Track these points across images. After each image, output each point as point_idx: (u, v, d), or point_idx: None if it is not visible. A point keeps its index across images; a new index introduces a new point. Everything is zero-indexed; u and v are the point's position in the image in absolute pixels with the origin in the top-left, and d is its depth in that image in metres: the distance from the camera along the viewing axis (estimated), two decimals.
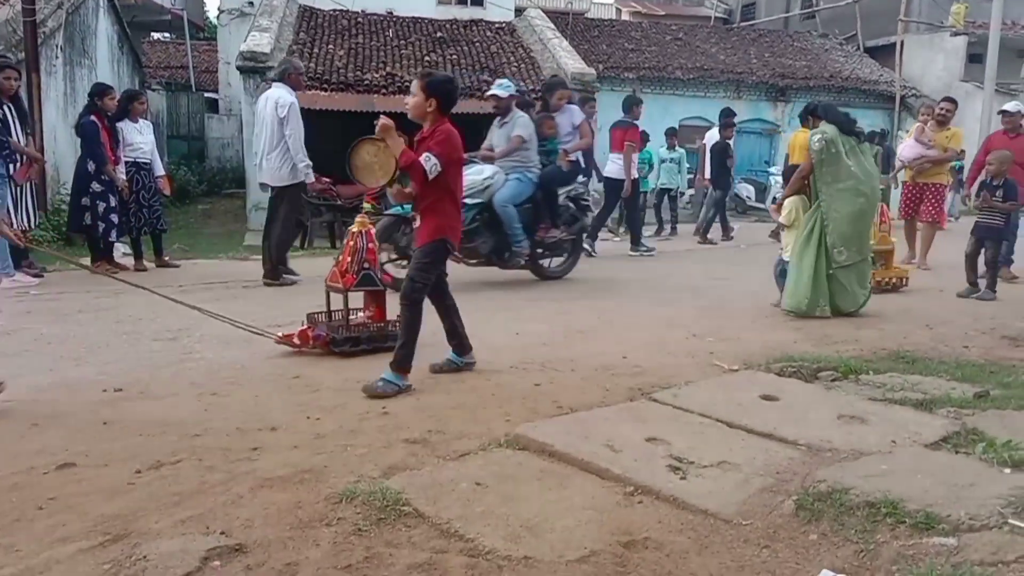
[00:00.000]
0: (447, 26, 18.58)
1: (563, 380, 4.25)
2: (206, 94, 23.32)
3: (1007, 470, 2.92)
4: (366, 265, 4.85)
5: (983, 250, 7.06)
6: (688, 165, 13.82)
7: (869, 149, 6.25)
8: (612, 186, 9.96)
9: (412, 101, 4.07)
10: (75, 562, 2.32)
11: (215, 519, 2.58)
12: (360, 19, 18.40)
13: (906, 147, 9.09)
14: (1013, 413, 3.63)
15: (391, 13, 19.59)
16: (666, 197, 13.20)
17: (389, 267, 6.60)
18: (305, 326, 4.89)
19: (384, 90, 14.52)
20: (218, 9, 22.05)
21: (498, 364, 4.56)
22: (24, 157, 7.38)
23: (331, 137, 15.62)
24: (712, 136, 12.35)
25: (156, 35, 28.18)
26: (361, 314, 5.02)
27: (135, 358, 4.67)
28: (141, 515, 2.61)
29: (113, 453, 3.16)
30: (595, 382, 4.21)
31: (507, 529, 2.52)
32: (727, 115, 12.00)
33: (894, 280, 7.32)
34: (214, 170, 20.67)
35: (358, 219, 4.97)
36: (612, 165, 9.92)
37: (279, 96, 7.26)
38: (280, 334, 4.83)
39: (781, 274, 6.24)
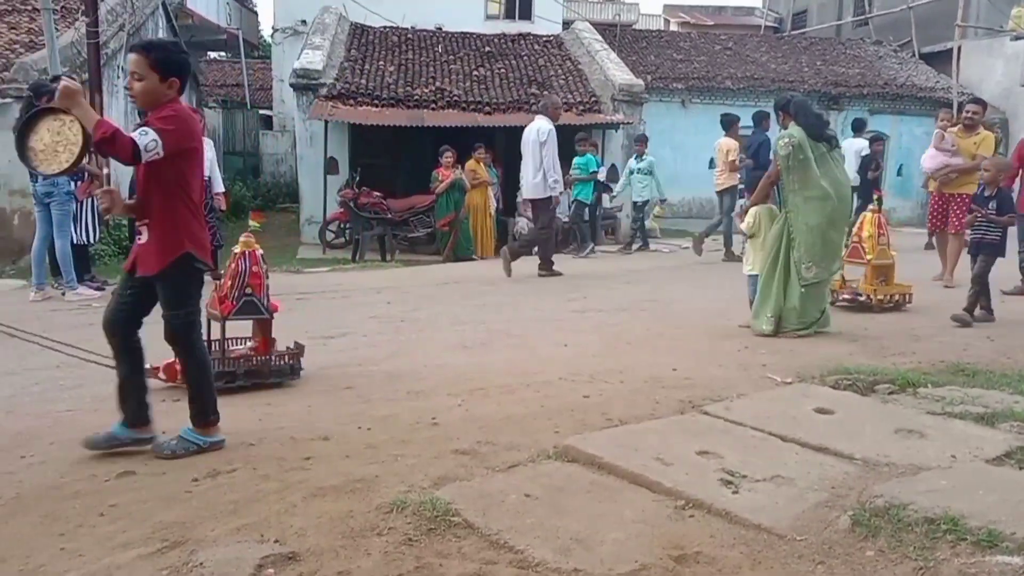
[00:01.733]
0: (495, 40, 18.72)
1: (612, 392, 4.24)
2: (260, 111, 23.87)
3: None
4: (248, 291, 4.34)
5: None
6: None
7: (840, 157, 5.81)
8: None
9: (140, 86, 3.11)
10: (134, 567, 2.38)
11: (269, 527, 2.62)
12: (410, 35, 18.65)
13: (927, 157, 8.48)
14: None
15: (440, 29, 19.82)
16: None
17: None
18: (173, 359, 3.89)
19: (434, 104, 14.68)
20: (272, 28, 22.59)
21: (547, 375, 4.57)
22: (86, 173, 7.63)
23: (382, 151, 15.77)
24: (729, 142, 11.88)
25: (213, 54, 28.96)
26: (246, 344, 4.54)
27: None
28: (198, 522, 2.67)
29: (171, 462, 3.24)
30: (644, 394, 4.18)
31: (557, 542, 2.51)
32: (761, 117, 11.43)
33: (896, 297, 6.84)
34: (268, 185, 21.14)
35: (242, 239, 4.40)
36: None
37: (540, 125, 9.02)
38: (149, 366, 3.58)
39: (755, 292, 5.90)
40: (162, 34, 16.00)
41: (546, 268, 9.12)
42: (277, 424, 3.73)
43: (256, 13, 28.82)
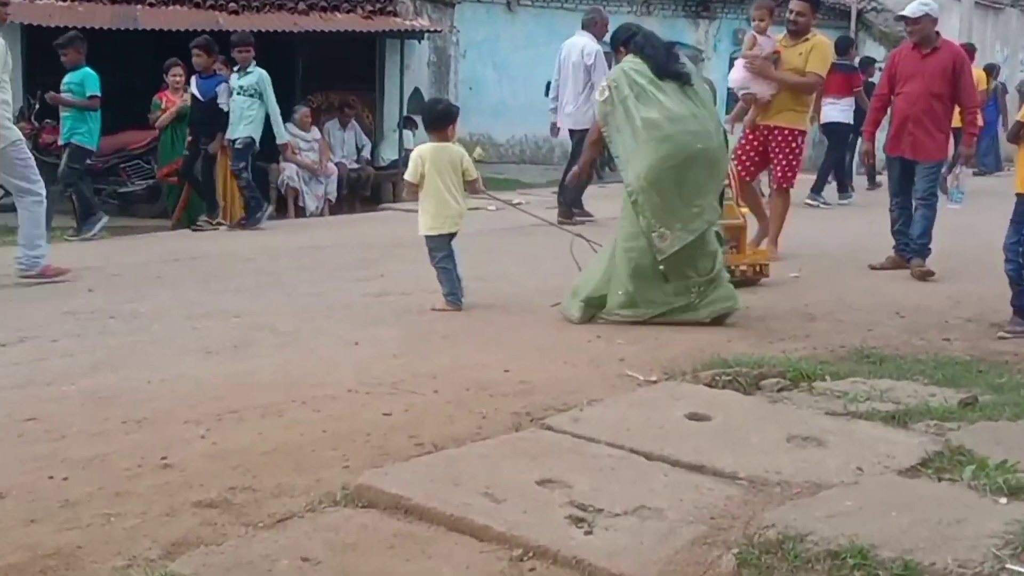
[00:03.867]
0: None
1: (423, 406, 4.24)
2: None
3: (1002, 500, 3.10)
4: None
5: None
6: None
7: (703, 92, 6.09)
8: (832, 130, 12.96)
9: None
10: None
11: None
12: None
13: (735, 69, 8.34)
14: (1008, 425, 3.87)
15: None
16: None
17: None
18: None
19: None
20: None
21: (331, 387, 4.51)
22: None
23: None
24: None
25: None
26: None
27: None
28: None
29: None
30: (467, 406, 4.21)
31: None
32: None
33: (747, 270, 7.06)
34: None
35: None
36: (831, 109, 12.73)
37: (584, 44, 10.31)
38: None
39: None
40: None
41: (567, 216, 9.92)
42: None
43: None
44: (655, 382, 4.57)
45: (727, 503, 3.15)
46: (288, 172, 12.90)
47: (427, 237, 6.33)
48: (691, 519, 3.03)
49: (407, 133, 14.67)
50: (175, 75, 11.79)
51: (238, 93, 10.66)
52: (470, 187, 6.54)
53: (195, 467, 3.54)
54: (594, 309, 5.86)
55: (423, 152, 6.33)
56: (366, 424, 4.00)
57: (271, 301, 6.65)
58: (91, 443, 3.81)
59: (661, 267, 5.71)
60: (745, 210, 7.31)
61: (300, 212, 13.01)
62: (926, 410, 4.04)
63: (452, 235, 6.34)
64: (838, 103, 12.71)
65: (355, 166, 14.27)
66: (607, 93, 5.91)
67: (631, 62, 5.96)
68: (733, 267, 6.79)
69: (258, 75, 10.63)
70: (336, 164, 13.61)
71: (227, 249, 9.32)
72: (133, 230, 11.32)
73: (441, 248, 6.29)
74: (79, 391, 4.54)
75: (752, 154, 8.18)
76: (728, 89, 10.27)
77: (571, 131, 10.68)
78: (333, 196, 13.38)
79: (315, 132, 13.47)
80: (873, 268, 7.84)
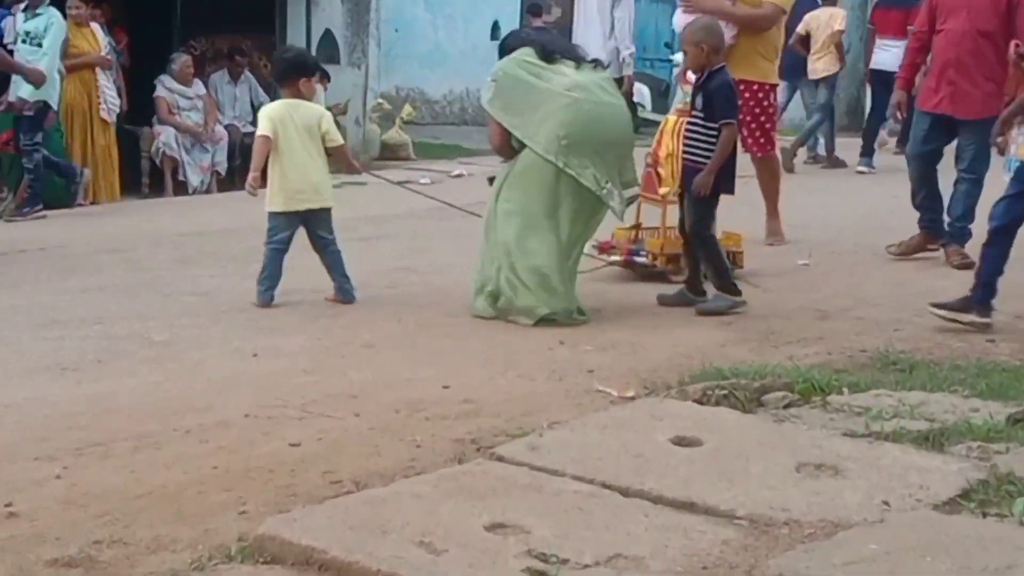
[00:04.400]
0: None
1: (341, 433, 4.25)
2: None
3: None
4: None
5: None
6: None
7: (606, 83, 6.65)
8: (884, 80, 12.74)
9: None
10: None
11: None
12: None
13: (680, 12, 8.32)
14: None
15: None
16: None
17: None
18: None
19: None
20: None
21: (223, 411, 4.51)
22: None
23: None
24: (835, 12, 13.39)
25: None
26: None
27: None
28: None
29: None
30: (396, 433, 4.22)
31: None
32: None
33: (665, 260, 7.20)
34: None
35: None
36: (885, 54, 13.07)
37: None
38: None
39: None
40: None
41: None
42: None
43: None
44: (632, 398, 4.60)
45: (723, 549, 3.16)
46: (164, 138, 12.57)
47: (270, 214, 6.47)
48: (679, 569, 3.03)
49: (317, 87, 14.57)
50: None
51: (23, 40, 10.28)
52: (338, 157, 6.62)
53: (49, 516, 3.49)
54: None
55: (270, 111, 6.52)
56: (268, 458, 3.98)
57: (144, 303, 6.59)
58: None
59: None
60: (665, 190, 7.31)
61: (181, 188, 12.69)
62: (967, 429, 4.09)
63: (302, 217, 6.44)
64: (893, 46, 12.76)
65: (250, 129, 14.08)
66: (493, 87, 6.49)
67: (520, 53, 6.53)
68: (653, 255, 7.14)
69: (48, 17, 10.24)
70: (226, 127, 13.42)
71: (87, 237, 9.21)
72: None
73: (280, 230, 6.42)
74: None
75: None
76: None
77: None
78: (223, 167, 13.11)
79: (198, 87, 13.14)
80: (891, 251, 7.88)
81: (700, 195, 6.39)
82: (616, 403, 4.57)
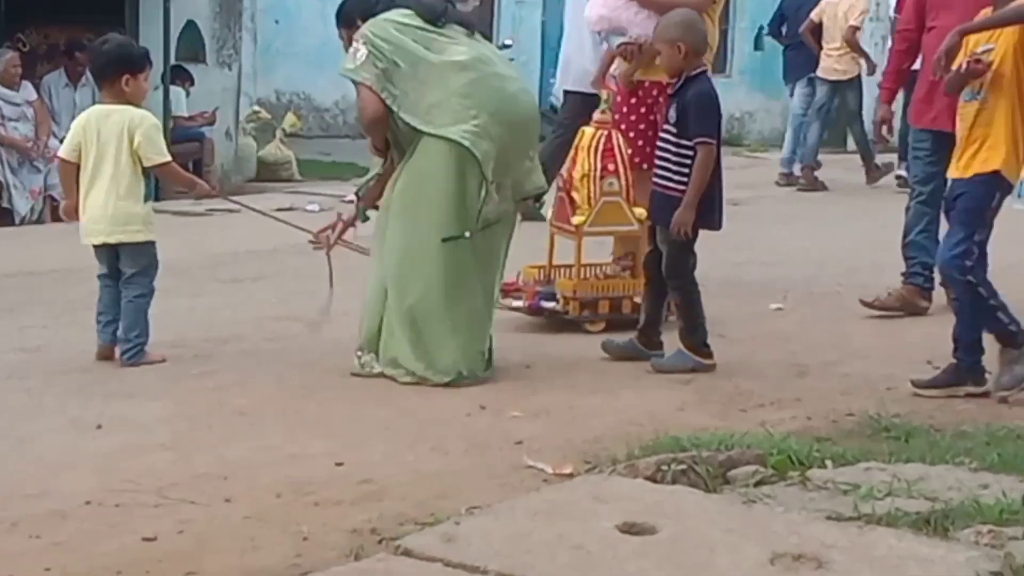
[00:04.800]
0: None
1: (208, 523, 4.20)
2: None
3: None
4: None
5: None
6: None
7: (494, 55, 6.78)
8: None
9: None
10: None
11: None
12: None
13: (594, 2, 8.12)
14: None
15: None
16: None
17: None
18: None
19: None
20: None
21: (59, 497, 4.43)
22: None
23: None
24: None
25: None
26: None
27: None
28: None
29: None
30: (279, 522, 4.18)
31: None
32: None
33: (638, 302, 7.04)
34: None
35: None
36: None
37: None
38: None
39: None
40: None
41: None
42: None
43: None
44: (570, 476, 4.56)
45: None
46: None
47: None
48: None
49: (176, 91, 14.45)
50: None
51: None
52: (170, 178, 6.62)
53: None
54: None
55: (76, 122, 6.59)
56: (116, 556, 3.90)
57: None
58: None
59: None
60: (642, 212, 7.17)
61: (6, 217, 12.69)
62: (976, 510, 4.07)
63: (109, 251, 6.44)
64: None
65: None
66: (363, 51, 6.22)
67: (392, 14, 6.37)
68: (627, 297, 7.05)
69: None
70: (61, 140, 13.36)
71: None
72: None
73: (99, 264, 6.48)
74: None
75: (641, 127, 7.73)
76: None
77: (568, 92, 10.91)
78: (58, 191, 13.08)
79: (28, 90, 13.15)
80: (868, 305, 7.66)
81: (679, 234, 6.24)
82: (551, 482, 4.53)
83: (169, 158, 6.57)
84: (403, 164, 6.29)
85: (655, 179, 6.53)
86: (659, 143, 6.58)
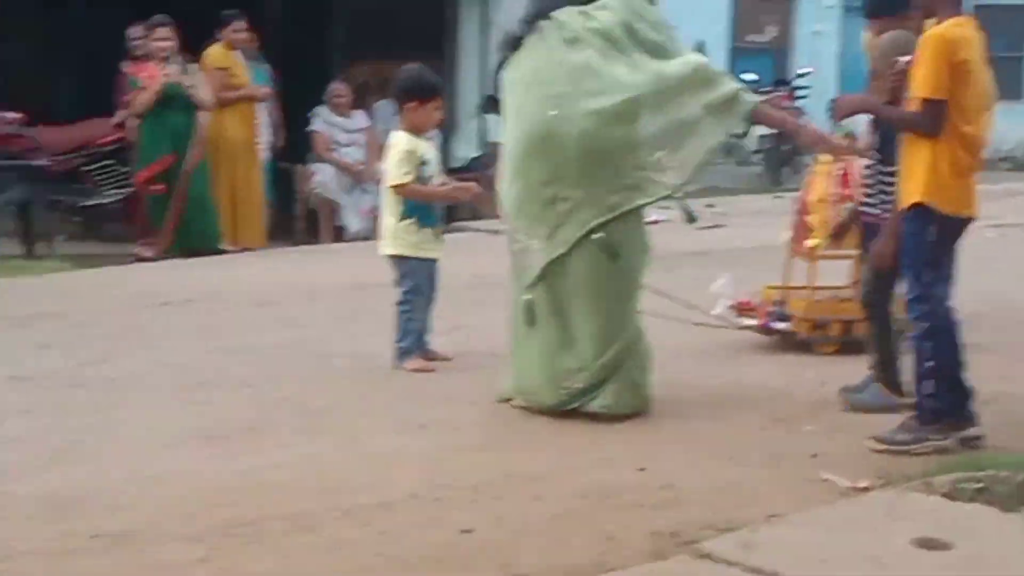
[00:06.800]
0: None
1: (520, 519, 4.25)
2: None
3: None
4: None
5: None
6: None
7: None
8: None
9: None
10: None
11: None
12: None
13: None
14: None
15: None
16: None
17: None
18: None
19: None
20: None
21: (385, 489, 4.52)
22: None
23: (18, 33, 15.28)
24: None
25: None
26: None
27: None
28: None
29: None
30: (585, 521, 4.20)
31: None
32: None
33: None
34: None
35: None
36: None
37: None
38: None
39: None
40: None
41: None
42: None
43: None
44: (866, 490, 4.50)
45: None
46: (322, 177, 12.92)
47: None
48: None
49: (493, 119, 14.56)
50: (159, 38, 11.81)
51: None
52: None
53: None
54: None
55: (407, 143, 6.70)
56: (437, 546, 4.00)
57: (298, 365, 6.72)
58: (46, 568, 3.86)
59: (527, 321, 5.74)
60: None
61: (337, 233, 13.01)
62: None
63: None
64: None
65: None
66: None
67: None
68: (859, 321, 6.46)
69: None
70: None
71: (235, 286, 9.46)
72: (103, 259, 11.39)
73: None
74: (30, 492, 4.61)
75: None
76: None
77: None
78: None
79: (359, 118, 13.39)
80: None
81: (880, 266, 5.73)
82: (846, 495, 4.48)
83: (396, 182, 6.72)
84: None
85: (862, 208, 6.19)
86: (865, 170, 6.19)
